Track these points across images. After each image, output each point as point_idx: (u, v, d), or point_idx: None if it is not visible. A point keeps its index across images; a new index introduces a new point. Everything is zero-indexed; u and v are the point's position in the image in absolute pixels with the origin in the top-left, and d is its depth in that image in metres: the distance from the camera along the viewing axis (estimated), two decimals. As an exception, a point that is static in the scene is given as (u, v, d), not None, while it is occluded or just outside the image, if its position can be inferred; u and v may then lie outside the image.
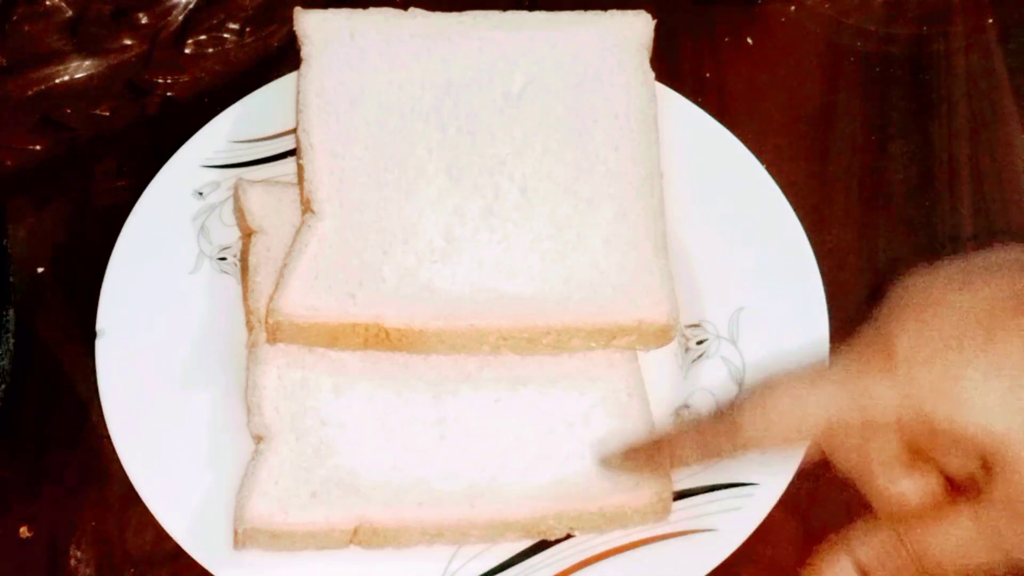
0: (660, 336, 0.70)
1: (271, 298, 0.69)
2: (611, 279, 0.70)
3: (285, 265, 0.70)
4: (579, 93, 0.75)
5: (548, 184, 0.72)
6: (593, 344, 0.69)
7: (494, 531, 0.66)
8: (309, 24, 0.77)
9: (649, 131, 0.74)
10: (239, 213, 0.75)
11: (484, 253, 0.70)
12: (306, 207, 0.72)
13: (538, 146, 0.73)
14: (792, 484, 0.67)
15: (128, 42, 0.84)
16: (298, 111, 0.75)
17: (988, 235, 0.79)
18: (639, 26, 0.77)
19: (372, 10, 0.78)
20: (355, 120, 0.74)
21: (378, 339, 0.68)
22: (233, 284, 0.74)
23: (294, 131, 0.78)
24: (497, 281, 0.70)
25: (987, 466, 0.54)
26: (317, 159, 0.73)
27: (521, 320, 0.68)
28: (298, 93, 0.75)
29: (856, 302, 0.75)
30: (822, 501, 0.70)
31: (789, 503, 0.67)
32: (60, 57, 0.83)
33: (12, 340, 0.72)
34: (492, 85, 0.75)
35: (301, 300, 0.68)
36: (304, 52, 0.76)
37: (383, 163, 0.73)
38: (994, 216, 0.80)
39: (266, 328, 0.69)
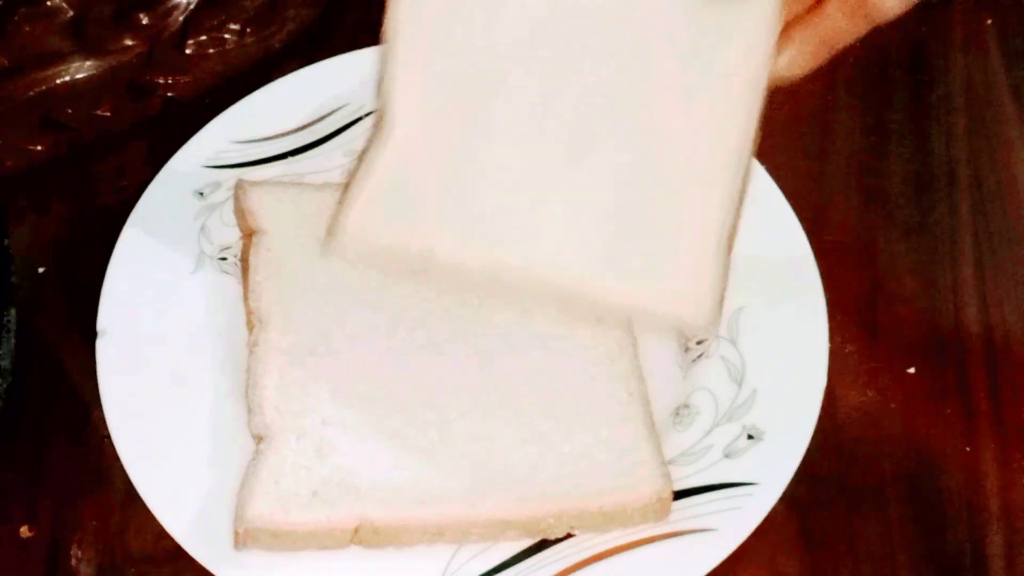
0: (699, 330, 0.69)
1: (335, 217, 0.66)
2: (665, 265, 0.66)
3: (353, 183, 0.66)
4: (694, 41, 0.66)
5: (635, 141, 0.66)
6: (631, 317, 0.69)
7: (494, 530, 0.66)
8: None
9: (753, 102, 0.67)
10: (240, 213, 0.75)
11: (551, 202, 0.66)
12: (378, 123, 0.67)
13: (635, 98, 0.66)
14: (792, 484, 0.67)
15: (129, 43, 0.84)
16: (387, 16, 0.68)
17: (986, 235, 0.79)
18: None
19: None
20: (447, 40, 0.66)
21: (430, 268, 0.67)
22: (234, 284, 0.74)
23: (294, 131, 0.79)
24: (557, 234, 0.66)
25: None
26: (399, 71, 0.66)
27: (567, 279, 0.66)
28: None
29: (856, 302, 0.76)
30: (822, 500, 0.70)
31: (789, 503, 0.67)
32: (61, 57, 0.83)
33: (13, 340, 0.72)
34: (599, 28, 0.67)
35: (364, 220, 0.66)
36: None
37: (469, 90, 0.66)
38: (993, 216, 0.80)
39: (327, 243, 0.67)
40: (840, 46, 0.65)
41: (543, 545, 0.67)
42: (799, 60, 0.65)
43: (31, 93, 0.83)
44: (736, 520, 0.66)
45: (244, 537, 0.65)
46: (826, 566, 0.69)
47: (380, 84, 0.67)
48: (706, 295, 0.66)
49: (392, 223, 0.66)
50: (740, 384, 0.70)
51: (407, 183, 0.66)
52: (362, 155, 0.67)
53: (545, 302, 0.68)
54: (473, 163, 0.66)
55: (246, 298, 0.72)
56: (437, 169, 0.66)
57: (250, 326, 0.71)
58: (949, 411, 0.73)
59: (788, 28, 0.65)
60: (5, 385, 0.71)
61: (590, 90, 0.66)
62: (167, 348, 0.72)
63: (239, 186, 0.75)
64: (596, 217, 0.66)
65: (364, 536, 0.66)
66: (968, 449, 0.72)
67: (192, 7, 0.85)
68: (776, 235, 0.74)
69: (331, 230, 0.67)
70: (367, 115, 0.80)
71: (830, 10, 0.64)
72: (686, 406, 0.71)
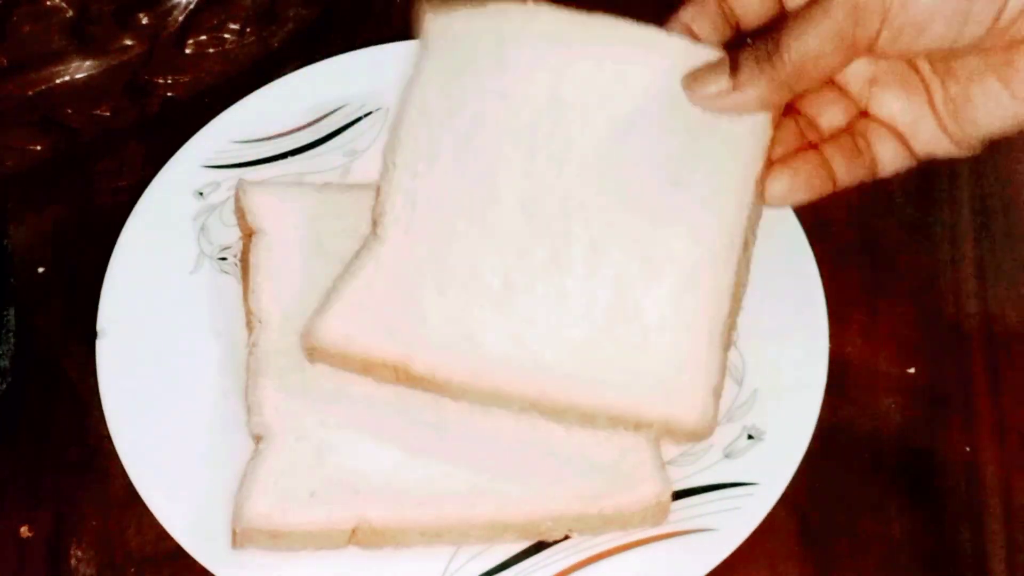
0: (691, 435, 0.67)
1: (310, 319, 0.68)
2: (653, 369, 0.67)
3: (333, 287, 0.69)
4: (687, 135, 0.69)
5: (621, 238, 0.68)
6: (622, 427, 0.67)
7: (493, 532, 0.66)
8: (435, 27, 0.72)
9: (744, 193, 0.68)
10: (240, 213, 0.75)
11: (537, 309, 0.67)
12: (373, 227, 0.70)
13: (624, 191, 0.69)
14: (791, 484, 0.67)
15: (129, 42, 0.84)
16: (391, 129, 0.72)
17: (987, 235, 0.79)
18: None
19: (497, 6, 0.72)
20: (445, 135, 0.70)
21: (407, 378, 0.67)
22: (233, 284, 0.74)
23: (294, 131, 0.78)
24: (540, 345, 0.67)
25: None
26: (395, 179, 0.70)
27: (549, 394, 0.66)
28: (400, 105, 0.72)
29: (856, 302, 0.75)
30: (822, 501, 0.70)
31: (789, 503, 0.67)
32: (61, 57, 0.83)
33: (13, 340, 0.72)
34: (598, 109, 0.70)
35: (338, 327, 0.67)
36: (418, 57, 0.72)
37: (460, 190, 0.69)
38: (994, 216, 0.80)
39: (302, 346, 0.68)
40: (840, 187, 0.68)
41: (542, 545, 0.67)
42: (796, 189, 0.68)
43: (30, 93, 0.83)
44: (736, 520, 0.66)
45: (242, 537, 0.65)
46: (826, 566, 0.69)
47: (376, 199, 0.70)
48: (699, 396, 0.67)
49: (368, 330, 0.67)
50: (740, 384, 0.70)
51: (390, 289, 0.68)
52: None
53: (529, 411, 0.67)
54: (465, 260, 0.68)
55: (246, 298, 0.72)
56: (420, 281, 0.68)
57: (250, 326, 0.71)
58: (949, 411, 0.73)
59: (788, 159, 0.69)
60: (5, 385, 0.71)
61: (575, 194, 0.69)
62: (167, 348, 0.72)
63: (239, 186, 0.75)
64: (582, 322, 0.67)
65: (362, 537, 0.66)
66: (968, 449, 0.72)
67: (192, 7, 0.85)
68: (776, 235, 0.74)
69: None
70: (367, 115, 0.80)
71: (829, 153, 0.68)
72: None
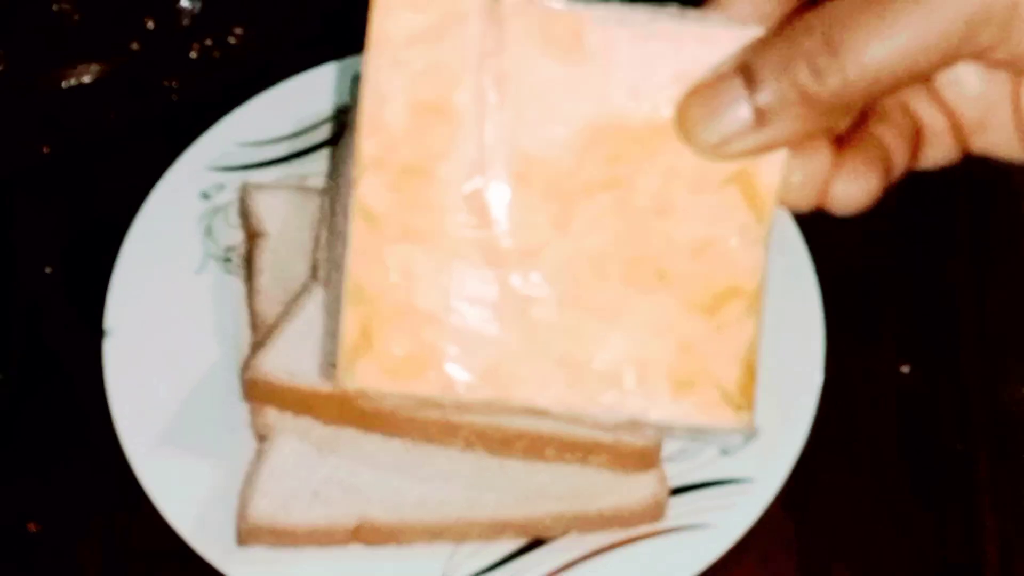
0: (639, 459, 0.67)
1: (250, 355, 0.69)
2: None
3: (275, 324, 0.69)
4: None
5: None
6: (568, 456, 0.67)
7: (493, 530, 0.67)
8: None
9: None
10: (245, 216, 0.75)
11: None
12: (313, 272, 0.71)
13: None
14: (787, 480, 0.68)
15: (135, 47, 0.84)
16: (330, 175, 0.74)
17: (983, 234, 0.79)
18: None
19: None
20: None
21: (351, 413, 0.67)
22: (238, 284, 0.74)
23: (299, 134, 0.79)
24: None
25: None
26: (337, 227, 0.71)
27: (496, 423, 0.66)
28: (334, 157, 0.74)
29: (851, 300, 0.76)
30: (818, 497, 0.71)
31: (785, 499, 0.68)
32: (68, 61, 0.83)
33: (20, 340, 0.72)
34: None
35: (281, 363, 0.68)
36: (351, 119, 0.74)
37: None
38: (990, 215, 0.80)
39: (240, 382, 0.69)
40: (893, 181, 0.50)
41: (541, 542, 0.67)
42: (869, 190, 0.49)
43: (38, 96, 0.83)
44: (731, 517, 0.67)
45: (246, 535, 0.66)
46: (821, 563, 0.69)
47: (315, 245, 0.70)
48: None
49: (312, 366, 0.68)
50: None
51: (334, 327, 0.67)
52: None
53: (482, 444, 0.67)
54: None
55: (250, 300, 0.73)
56: None
57: (254, 327, 0.72)
58: (943, 409, 0.73)
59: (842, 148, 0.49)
60: (12, 384, 0.72)
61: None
62: (173, 347, 0.72)
63: (244, 189, 0.76)
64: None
65: (364, 535, 0.66)
66: (962, 447, 0.72)
67: (197, 12, 0.85)
68: (774, 236, 0.74)
69: (245, 367, 0.69)
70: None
71: (883, 133, 0.49)
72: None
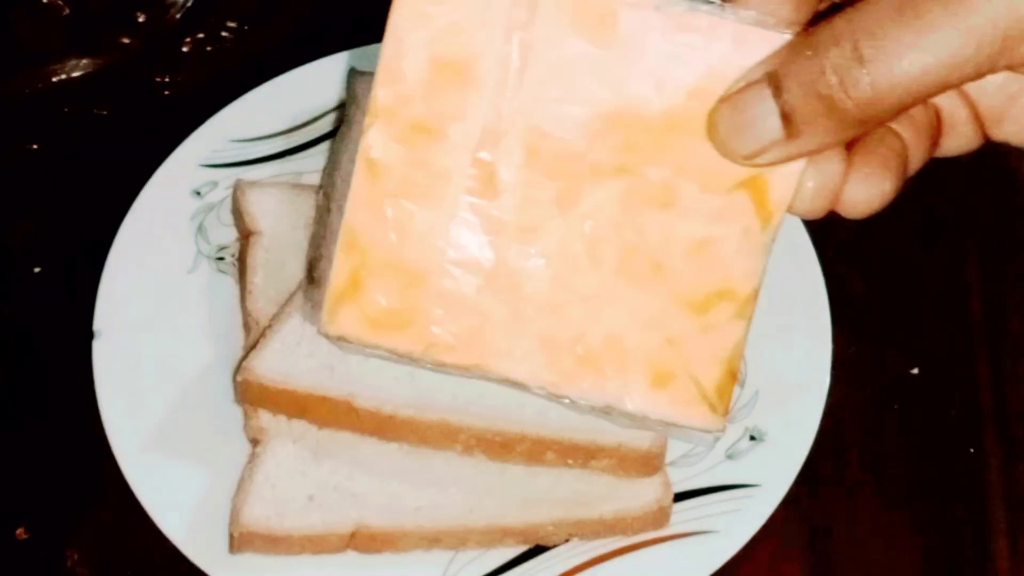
0: (642, 464, 0.67)
1: (244, 356, 0.68)
2: None
3: (269, 326, 0.69)
4: None
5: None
6: (570, 461, 0.67)
7: (492, 537, 0.66)
8: (361, 86, 0.76)
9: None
10: (238, 214, 0.75)
11: None
12: (308, 272, 0.71)
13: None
14: (794, 485, 0.67)
15: (126, 41, 0.84)
16: (325, 173, 0.74)
17: (992, 236, 0.79)
18: None
19: None
20: None
21: (347, 417, 0.67)
22: (231, 284, 0.74)
23: (293, 130, 0.78)
24: None
25: None
26: (331, 224, 0.71)
27: (495, 423, 0.66)
28: (330, 154, 0.74)
29: (859, 302, 0.75)
30: (824, 502, 0.70)
31: (791, 504, 0.67)
32: (58, 56, 0.83)
33: (9, 340, 0.72)
34: None
35: (276, 365, 0.67)
36: (349, 113, 0.75)
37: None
38: (998, 216, 0.80)
39: (233, 385, 0.68)
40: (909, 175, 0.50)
41: (542, 548, 0.67)
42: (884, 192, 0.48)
43: (27, 91, 0.83)
44: (738, 522, 0.66)
45: (239, 541, 0.65)
46: (828, 568, 0.69)
47: (310, 243, 0.71)
48: None
49: (308, 367, 0.67)
50: (742, 385, 0.70)
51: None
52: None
53: (481, 449, 0.67)
54: None
55: (243, 299, 0.72)
56: None
57: (247, 327, 0.71)
58: (953, 412, 0.73)
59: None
60: (1, 386, 0.71)
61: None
62: (163, 349, 0.72)
63: (237, 187, 0.75)
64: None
65: (360, 541, 0.66)
66: (972, 451, 0.72)
67: (189, 5, 0.85)
68: (779, 236, 0.73)
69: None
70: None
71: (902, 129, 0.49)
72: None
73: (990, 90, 0.48)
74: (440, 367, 0.52)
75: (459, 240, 0.50)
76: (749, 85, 0.45)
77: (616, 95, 0.48)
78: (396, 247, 0.50)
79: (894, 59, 0.42)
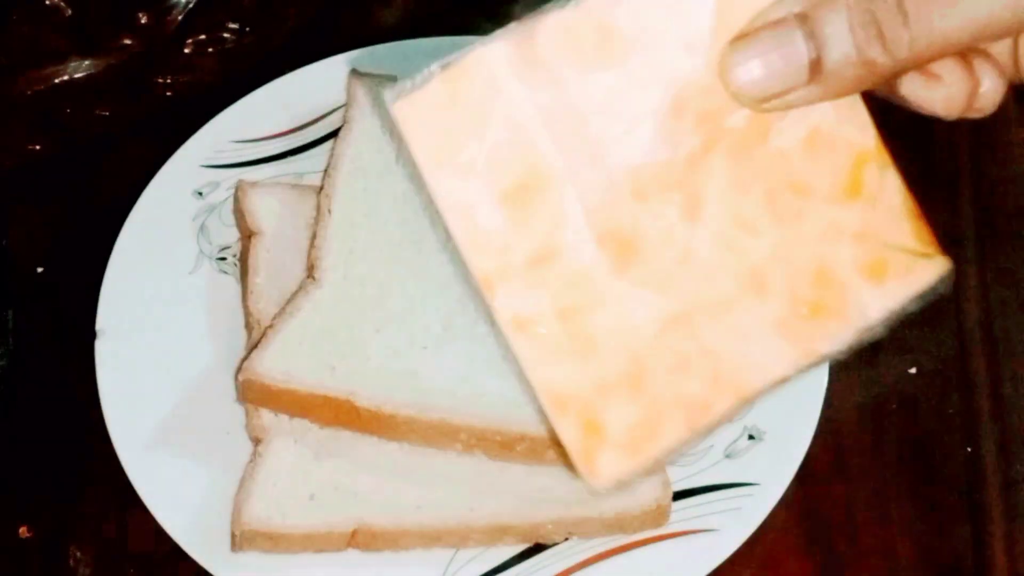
0: None
1: (245, 356, 0.68)
2: None
3: (270, 325, 0.69)
4: None
5: None
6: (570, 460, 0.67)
7: (492, 536, 0.66)
8: (361, 88, 0.76)
9: None
10: (239, 215, 0.75)
11: (478, 347, 0.68)
12: (309, 272, 0.71)
13: None
14: (792, 484, 0.67)
15: (128, 42, 0.84)
16: (326, 174, 0.74)
17: (989, 235, 0.79)
18: None
19: None
20: (383, 190, 0.73)
21: (348, 416, 0.67)
22: (233, 284, 0.74)
23: (294, 131, 0.78)
24: (482, 377, 0.67)
25: None
26: (332, 225, 0.72)
27: (495, 422, 0.66)
28: (331, 155, 0.75)
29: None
30: (823, 501, 0.70)
31: (790, 503, 0.67)
32: (59, 57, 0.83)
33: (11, 340, 0.72)
34: None
35: (277, 364, 0.68)
36: (349, 115, 0.76)
37: (399, 239, 0.71)
38: (995, 215, 0.80)
39: (235, 384, 0.68)
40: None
41: (542, 546, 0.66)
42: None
43: (29, 92, 0.83)
44: (737, 520, 0.66)
45: (241, 540, 0.65)
46: (827, 567, 0.69)
47: (311, 245, 0.71)
48: None
49: (309, 367, 0.67)
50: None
51: (329, 329, 0.68)
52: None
53: (482, 448, 0.67)
54: (403, 304, 0.69)
55: (245, 299, 0.72)
56: (364, 314, 0.68)
57: (249, 327, 0.71)
58: (951, 412, 0.73)
59: None
60: (3, 385, 0.71)
61: None
62: (166, 348, 0.72)
63: (239, 187, 0.75)
64: None
65: (362, 540, 0.66)
66: (969, 450, 0.72)
67: (191, 6, 0.85)
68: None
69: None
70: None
71: None
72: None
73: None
74: (712, 426, 0.50)
75: (636, 316, 0.48)
76: (775, 24, 0.43)
77: (661, 87, 0.46)
78: (596, 368, 0.48)
79: (936, 16, 0.42)
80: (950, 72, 0.46)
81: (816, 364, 0.51)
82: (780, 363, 0.50)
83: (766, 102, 0.45)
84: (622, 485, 0.50)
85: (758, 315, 0.49)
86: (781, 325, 0.49)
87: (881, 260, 0.49)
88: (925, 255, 0.50)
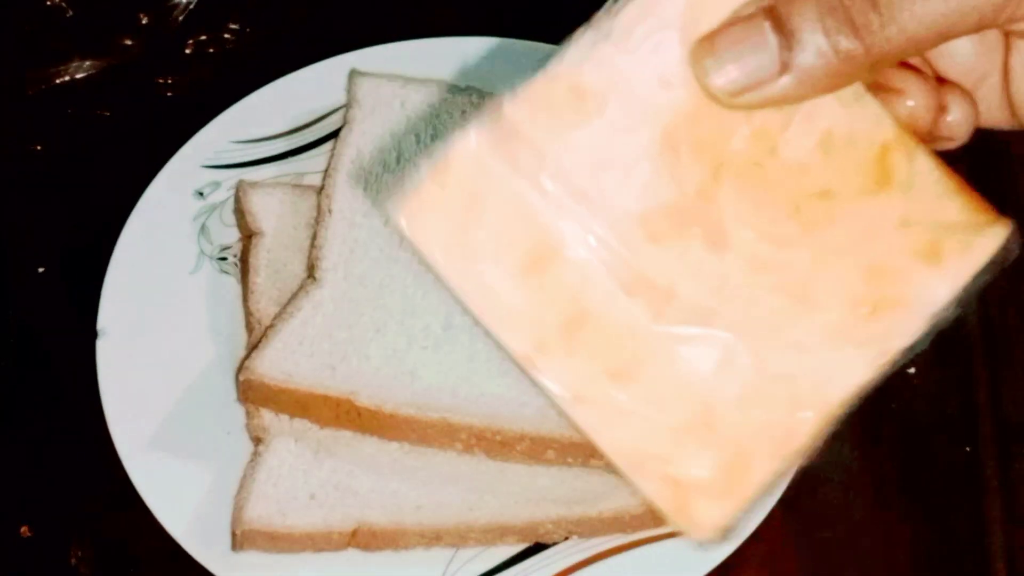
0: None
1: (246, 356, 0.68)
2: None
3: (271, 325, 0.69)
4: None
5: None
6: (570, 460, 0.67)
7: (492, 534, 0.66)
8: (362, 88, 0.77)
9: None
10: (240, 215, 0.75)
11: (477, 347, 0.68)
12: (309, 272, 0.71)
13: None
14: (792, 482, 0.67)
15: (129, 42, 0.84)
16: (327, 174, 0.74)
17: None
18: None
19: (425, 80, 0.77)
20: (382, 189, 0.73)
21: (349, 416, 0.67)
22: (233, 284, 0.74)
23: (295, 131, 0.78)
24: (482, 377, 0.68)
25: None
26: (333, 225, 0.72)
27: (495, 422, 0.66)
28: (331, 155, 0.75)
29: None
30: (820, 501, 0.70)
31: (787, 503, 0.67)
32: (61, 57, 0.83)
33: (12, 340, 0.72)
34: None
35: (277, 364, 0.68)
36: (349, 115, 0.76)
37: (399, 239, 0.70)
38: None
39: (236, 384, 0.69)
40: None
41: (542, 546, 0.67)
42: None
43: (30, 93, 0.83)
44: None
45: (241, 539, 0.65)
46: (824, 567, 0.69)
47: (312, 245, 0.71)
48: None
49: (310, 367, 0.67)
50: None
51: (330, 328, 0.68)
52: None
53: (482, 447, 0.67)
54: (403, 304, 0.69)
55: (246, 299, 0.72)
56: (364, 314, 0.69)
57: (249, 327, 0.71)
58: (950, 412, 0.73)
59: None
60: (5, 385, 0.71)
61: None
62: (167, 348, 0.72)
63: (240, 187, 0.75)
64: None
65: (362, 539, 0.66)
66: (968, 450, 0.72)
67: (191, 6, 0.85)
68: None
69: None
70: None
71: None
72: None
73: (961, 69, 0.48)
74: (805, 450, 0.48)
75: (688, 358, 0.47)
76: (741, 20, 0.43)
77: (648, 126, 0.46)
78: (664, 420, 0.47)
79: (910, 4, 0.41)
80: (915, 88, 0.46)
81: (896, 361, 0.48)
82: (855, 369, 0.48)
83: (738, 96, 0.43)
84: (729, 532, 0.48)
85: (814, 326, 0.48)
86: (843, 330, 0.48)
87: (933, 242, 0.47)
88: (979, 225, 0.48)
